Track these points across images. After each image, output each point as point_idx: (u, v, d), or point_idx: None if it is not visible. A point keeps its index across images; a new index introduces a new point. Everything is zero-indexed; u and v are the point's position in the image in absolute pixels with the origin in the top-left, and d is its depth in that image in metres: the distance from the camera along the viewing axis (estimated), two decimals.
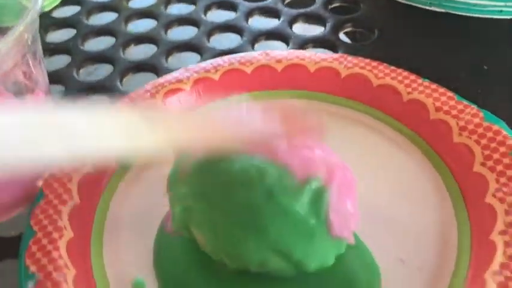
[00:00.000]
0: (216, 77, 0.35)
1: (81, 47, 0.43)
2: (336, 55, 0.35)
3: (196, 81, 0.35)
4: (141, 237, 0.28)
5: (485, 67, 0.37)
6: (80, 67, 0.41)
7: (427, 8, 0.40)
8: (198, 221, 0.23)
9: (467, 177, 0.28)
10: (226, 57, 0.36)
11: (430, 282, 0.25)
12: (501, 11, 0.37)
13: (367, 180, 0.28)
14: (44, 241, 0.26)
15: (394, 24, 0.42)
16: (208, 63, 0.36)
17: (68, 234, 0.27)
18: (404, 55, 0.37)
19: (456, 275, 0.25)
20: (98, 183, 0.30)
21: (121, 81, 0.39)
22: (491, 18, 0.38)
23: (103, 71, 0.40)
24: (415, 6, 0.41)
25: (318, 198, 0.22)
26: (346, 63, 0.34)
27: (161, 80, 0.35)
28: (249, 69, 0.35)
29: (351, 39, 0.41)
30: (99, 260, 0.27)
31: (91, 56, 0.42)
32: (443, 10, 0.39)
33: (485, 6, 0.37)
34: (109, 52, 0.42)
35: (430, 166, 0.30)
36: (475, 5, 0.38)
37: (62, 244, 0.26)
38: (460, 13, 0.39)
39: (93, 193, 0.29)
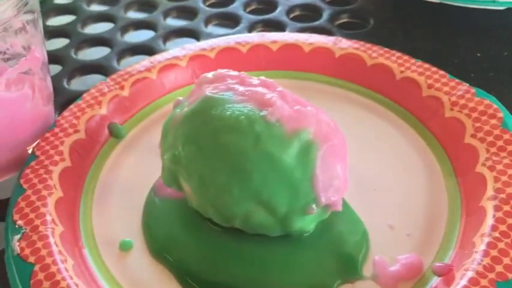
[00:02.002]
0: (212, 55, 0.35)
1: (80, 30, 0.43)
2: (330, 37, 0.36)
3: (192, 58, 0.35)
4: (131, 201, 0.28)
5: (479, 54, 0.37)
6: (78, 49, 0.41)
7: None
8: (186, 168, 0.23)
9: (458, 149, 0.28)
10: (223, 38, 0.37)
11: (419, 247, 0.25)
12: (494, 1, 0.38)
13: (359, 153, 0.28)
14: (33, 198, 0.26)
15: (389, 15, 0.42)
16: (204, 43, 0.36)
17: (58, 193, 0.27)
18: (398, 44, 0.37)
19: (447, 239, 0.25)
20: (90, 148, 0.30)
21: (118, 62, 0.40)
22: (485, 9, 0.39)
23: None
24: None
25: (306, 152, 0.22)
26: (340, 45, 0.35)
27: (158, 56, 0.35)
28: (244, 49, 0.36)
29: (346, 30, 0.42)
30: (88, 221, 0.27)
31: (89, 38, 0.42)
32: (437, 1, 0.40)
33: None
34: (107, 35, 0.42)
35: (421, 140, 0.30)
36: None
37: (50, 201, 0.26)
38: (454, 3, 0.39)
39: (85, 157, 0.29)
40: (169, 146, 0.24)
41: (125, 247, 0.25)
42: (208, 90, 0.24)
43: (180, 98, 0.26)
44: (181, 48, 0.36)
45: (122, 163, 0.30)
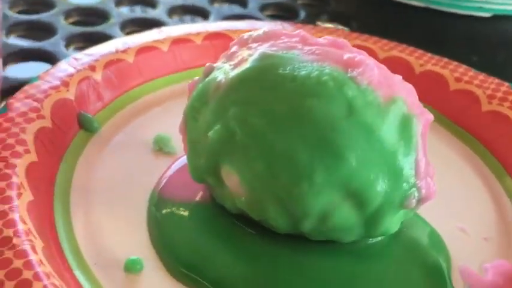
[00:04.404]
0: (198, 40, 0.29)
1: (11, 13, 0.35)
2: (332, 29, 0.32)
3: (175, 42, 0.29)
4: (124, 207, 0.21)
5: (475, 58, 0.35)
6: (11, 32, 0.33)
7: (407, 2, 0.38)
8: (243, 148, 0.17)
9: (503, 145, 0.25)
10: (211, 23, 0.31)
11: (505, 251, 0.20)
12: (481, 7, 0.37)
13: None
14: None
15: (371, 19, 0.39)
16: (188, 26, 0.30)
17: (27, 195, 0.18)
18: None
19: None
20: (59, 141, 0.22)
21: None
22: (470, 16, 0.38)
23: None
24: (393, 1, 0.39)
25: (407, 126, 0.17)
26: (345, 36, 0.31)
27: (131, 37, 0.28)
28: (234, 35, 0.30)
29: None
30: (70, 233, 0.19)
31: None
32: (423, 5, 0.38)
33: (465, 1, 0.37)
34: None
35: (457, 141, 0.26)
36: None
37: (21, 205, 0.18)
38: (440, 8, 0.38)
39: (53, 152, 0.21)
40: (215, 118, 0.17)
41: (133, 267, 0.18)
42: (264, 48, 0.18)
43: (213, 64, 0.19)
44: (159, 31, 0.29)
45: (99, 161, 0.23)
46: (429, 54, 0.30)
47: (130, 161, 0.23)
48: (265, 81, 0.17)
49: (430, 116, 0.18)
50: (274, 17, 0.39)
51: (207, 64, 0.19)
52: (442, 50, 0.36)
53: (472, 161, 0.25)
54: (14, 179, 0.18)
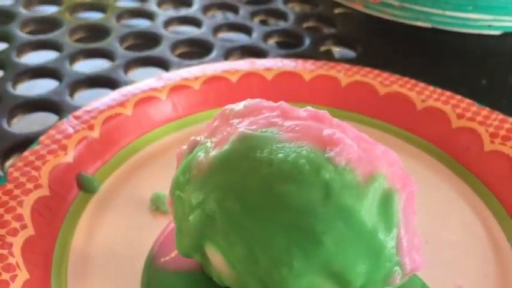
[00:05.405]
0: (197, 85, 0.29)
1: (17, 60, 0.35)
2: (332, 63, 0.31)
3: (173, 90, 0.29)
4: (121, 278, 0.21)
5: (484, 82, 0.34)
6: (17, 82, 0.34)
7: (412, 23, 0.37)
8: (223, 233, 0.17)
9: (505, 187, 0.24)
10: (206, 65, 0.31)
11: None
12: (490, 26, 0.36)
13: None
14: None
15: (376, 42, 0.39)
16: (186, 71, 0.30)
17: (23, 275, 0.19)
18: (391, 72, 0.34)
19: None
20: (56, 209, 0.23)
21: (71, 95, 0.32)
22: (480, 34, 0.37)
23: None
24: (398, 22, 0.38)
25: (387, 203, 0.17)
26: (345, 71, 0.30)
27: (130, 88, 0.29)
28: (234, 78, 0.30)
29: (329, 58, 0.38)
30: None
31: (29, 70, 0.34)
32: (429, 25, 0.37)
33: (474, 20, 0.36)
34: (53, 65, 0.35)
35: (459, 180, 0.26)
36: (463, 19, 0.36)
37: None
38: (447, 28, 0.37)
39: (51, 222, 0.22)
40: (196, 202, 0.18)
41: None
42: (244, 126, 0.18)
43: (197, 138, 0.19)
44: (158, 78, 0.30)
45: (98, 226, 0.23)
46: (431, 88, 0.29)
47: (128, 222, 0.24)
48: (242, 166, 0.17)
49: (414, 188, 0.18)
50: (279, 45, 0.39)
51: (191, 138, 0.20)
52: (449, 73, 0.35)
53: (473, 201, 0.25)
54: (10, 260, 0.19)
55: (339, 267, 0.16)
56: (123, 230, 0.23)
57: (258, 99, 0.19)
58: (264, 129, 0.18)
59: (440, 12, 0.35)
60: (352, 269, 0.16)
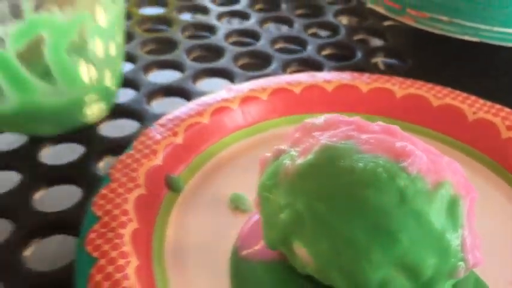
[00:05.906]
0: (264, 96, 0.33)
1: None
2: (386, 77, 0.34)
3: (244, 100, 0.32)
4: (213, 268, 0.24)
5: None
6: None
7: (460, 37, 0.40)
8: (310, 230, 0.20)
9: None
10: (271, 78, 0.34)
11: None
12: None
13: None
14: (110, 269, 0.22)
15: (426, 55, 0.41)
16: (252, 83, 0.34)
17: (134, 261, 0.22)
18: (444, 85, 0.36)
19: None
20: (151, 206, 0.26)
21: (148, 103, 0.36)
22: None
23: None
24: (446, 36, 0.40)
25: (453, 207, 0.20)
26: (399, 85, 0.33)
27: (205, 99, 0.32)
28: (297, 90, 0.33)
29: (379, 70, 0.40)
30: None
31: None
32: (478, 40, 0.39)
33: None
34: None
35: (506, 185, 0.28)
36: (510, 34, 0.38)
37: (130, 273, 0.22)
38: (495, 43, 0.39)
39: (148, 217, 0.26)
40: (284, 203, 0.21)
41: None
42: (325, 139, 0.21)
43: (282, 147, 0.23)
44: (228, 89, 0.33)
45: (186, 221, 0.27)
46: (481, 101, 0.32)
47: (211, 219, 0.26)
48: (327, 173, 0.20)
49: (475, 194, 0.21)
50: (331, 57, 0.42)
51: (275, 147, 0.23)
52: (496, 86, 0.37)
53: None
54: (124, 248, 0.23)
55: (411, 261, 0.19)
56: (208, 225, 0.26)
57: (335, 114, 0.22)
58: (343, 142, 0.21)
59: (488, 28, 0.38)
60: (423, 263, 0.19)
